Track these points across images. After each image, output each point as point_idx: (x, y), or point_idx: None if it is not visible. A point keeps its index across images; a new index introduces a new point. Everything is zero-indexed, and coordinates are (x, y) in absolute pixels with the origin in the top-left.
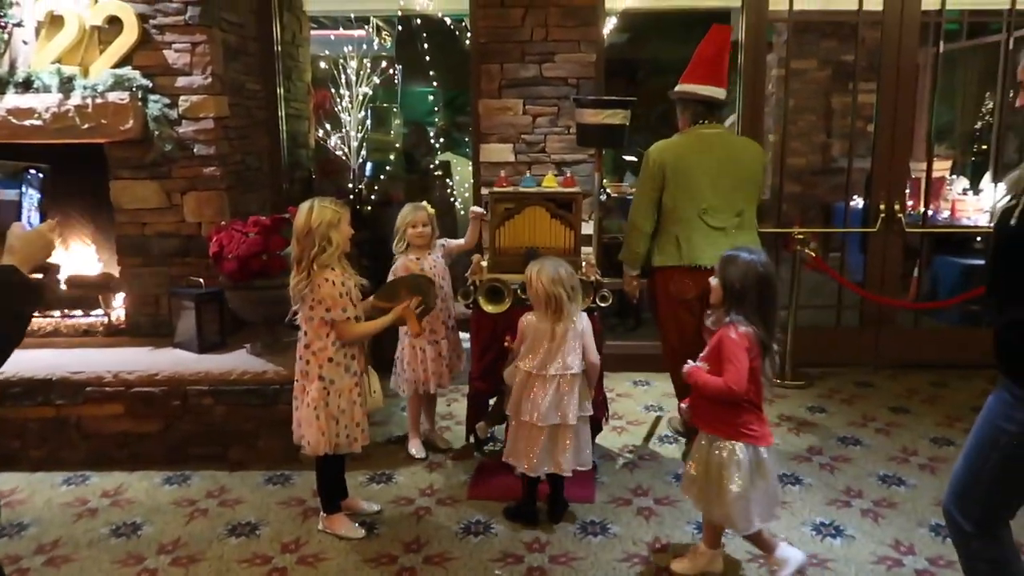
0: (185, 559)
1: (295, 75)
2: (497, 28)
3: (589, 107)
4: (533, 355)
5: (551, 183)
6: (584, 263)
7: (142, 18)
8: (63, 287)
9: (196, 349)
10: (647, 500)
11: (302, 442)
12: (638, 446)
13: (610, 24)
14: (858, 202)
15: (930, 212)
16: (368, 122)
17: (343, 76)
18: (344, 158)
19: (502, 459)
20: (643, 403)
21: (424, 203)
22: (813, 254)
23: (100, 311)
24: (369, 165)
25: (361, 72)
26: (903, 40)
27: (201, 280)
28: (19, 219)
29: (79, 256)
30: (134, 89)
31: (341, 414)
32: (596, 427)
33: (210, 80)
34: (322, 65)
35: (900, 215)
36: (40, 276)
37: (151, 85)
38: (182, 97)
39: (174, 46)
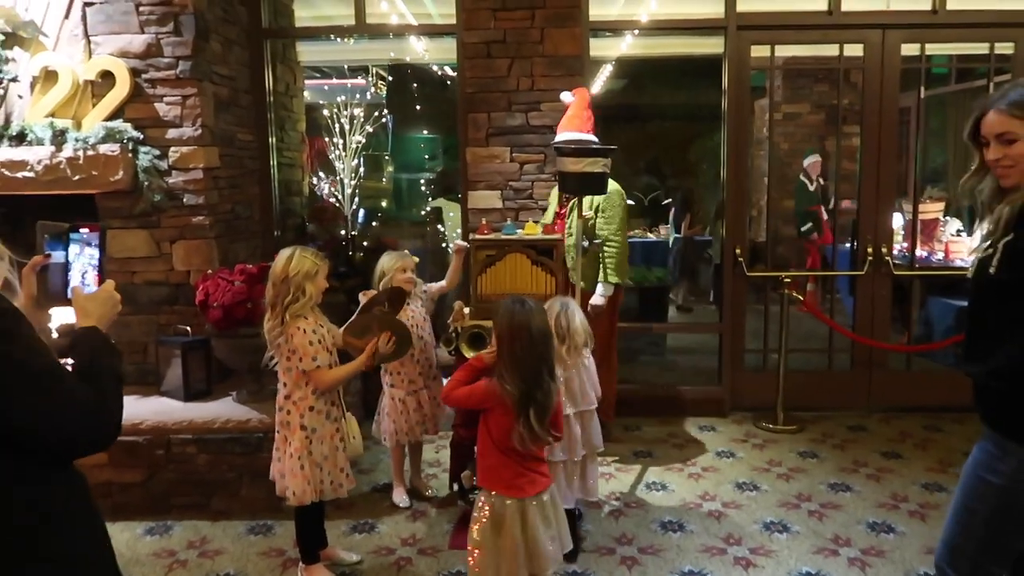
0: None
1: (288, 125)
2: (483, 78)
3: (570, 156)
4: None
5: (532, 230)
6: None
7: (134, 72)
8: (55, 335)
9: (182, 397)
10: (631, 549)
11: (286, 493)
12: (625, 493)
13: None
14: (849, 245)
15: (924, 254)
16: (361, 169)
17: (336, 124)
18: (338, 205)
19: None
20: (632, 448)
21: (406, 251)
22: (801, 297)
23: None
24: (362, 212)
25: (355, 120)
26: (884, 85)
27: (188, 328)
28: (68, 280)
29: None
30: (125, 141)
31: (324, 460)
32: None
33: (200, 132)
34: (324, 112)
35: (888, 257)
36: None
37: (142, 137)
38: (172, 148)
39: (165, 99)
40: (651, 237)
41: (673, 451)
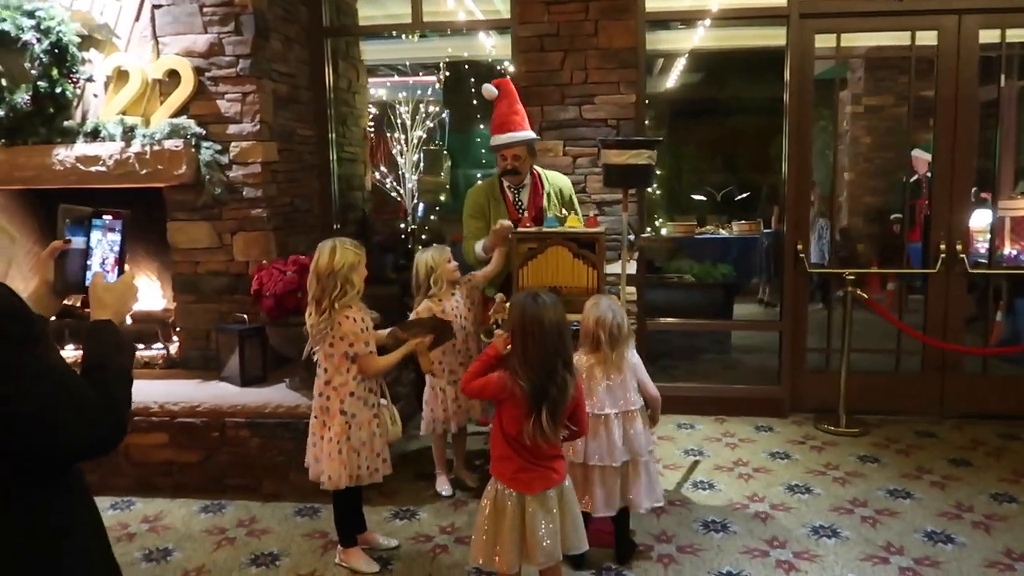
0: None
1: (350, 121)
2: (537, 72)
3: (613, 147)
4: (590, 398)
5: (574, 223)
6: None
7: (198, 71)
8: (128, 321)
9: (239, 383)
10: (669, 547)
11: (321, 478)
12: (669, 491)
13: (679, 65)
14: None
15: (1014, 252)
16: (421, 164)
17: (399, 120)
18: (399, 199)
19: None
20: (683, 447)
21: (444, 245)
22: (865, 295)
23: (160, 345)
24: (421, 206)
25: (417, 116)
26: (961, 75)
27: (245, 316)
28: (87, 267)
29: (145, 292)
30: (188, 137)
31: (362, 446)
32: None
33: (259, 127)
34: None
35: (962, 255)
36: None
37: (204, 132)
38: (233, 143)
39: (227, 96)
40: (723, 233)
41: (725, 451)
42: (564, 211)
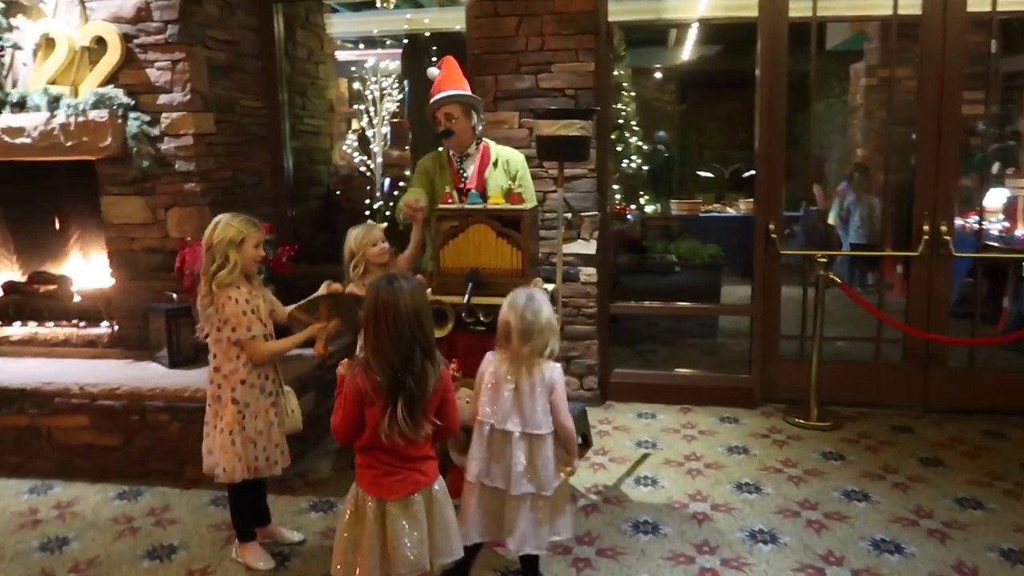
0: None
1: (312, 92)
2: (491, 38)
3: (544, 118)
4: (494, 405)
5: (498, 200)
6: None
7: (126, 38)
8: (77, 298)
9: (167, 363)
10: (589, 550)
11: (216, 471)
12: (608, 487)
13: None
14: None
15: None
16: (387, 138)
17: (368, 93)
18: (369, 174)
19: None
20: (638, 438)
21: (370, 221)
22: (838, 280)
23: (105, 323)
24: (387, 181)
25: (385, 91)
26: (948, 43)
27: (174, 295)
28: None
29: (93, 269)
30: (115, 107)
31: (259, 436)
32: None
33: (189, 97)
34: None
35: (947, 237)
36: None
37: (134, 103)
38: (163, 114)
39: (156, 64)
40: (730, 212)
41: (680, 443)
42: (509, 185)
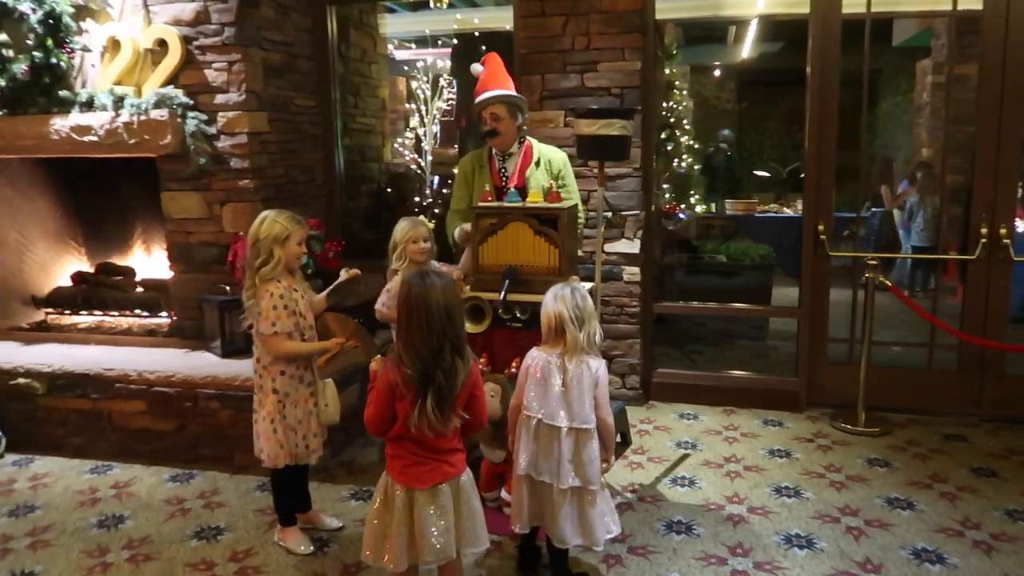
0: (142, 556)
1: (364, 91)
2: (537, 38)
3: (584, 117)
4: (542, 400)
5: (536, 198)
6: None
7: (185, 40)
8: (139, 289)
9: (220, 353)
10: (621, 547)
11: (261, 455)
12: (645, 486)
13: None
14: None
15: None
16: (437, 136)
17: (419, 92)
18: (420, 172)
19: (511, 527)
20: (678, 439)
21: (422, 217)
22: (888, 283)
23: (165, 313)
24: (436, 179)
25: (439, 88)
26: (1010, 35)
27: (227, 287)
28: None
29: (155, 261)
30: (174, 107)
31: (299, 424)
32: None
33: (244, 97)
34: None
35: (1007, 240)
36: None
37: (192, 103)
38: (220, 113)
39: (214, 65)
40: (788, 212)
41: (721, 445)
42: (551, 184)
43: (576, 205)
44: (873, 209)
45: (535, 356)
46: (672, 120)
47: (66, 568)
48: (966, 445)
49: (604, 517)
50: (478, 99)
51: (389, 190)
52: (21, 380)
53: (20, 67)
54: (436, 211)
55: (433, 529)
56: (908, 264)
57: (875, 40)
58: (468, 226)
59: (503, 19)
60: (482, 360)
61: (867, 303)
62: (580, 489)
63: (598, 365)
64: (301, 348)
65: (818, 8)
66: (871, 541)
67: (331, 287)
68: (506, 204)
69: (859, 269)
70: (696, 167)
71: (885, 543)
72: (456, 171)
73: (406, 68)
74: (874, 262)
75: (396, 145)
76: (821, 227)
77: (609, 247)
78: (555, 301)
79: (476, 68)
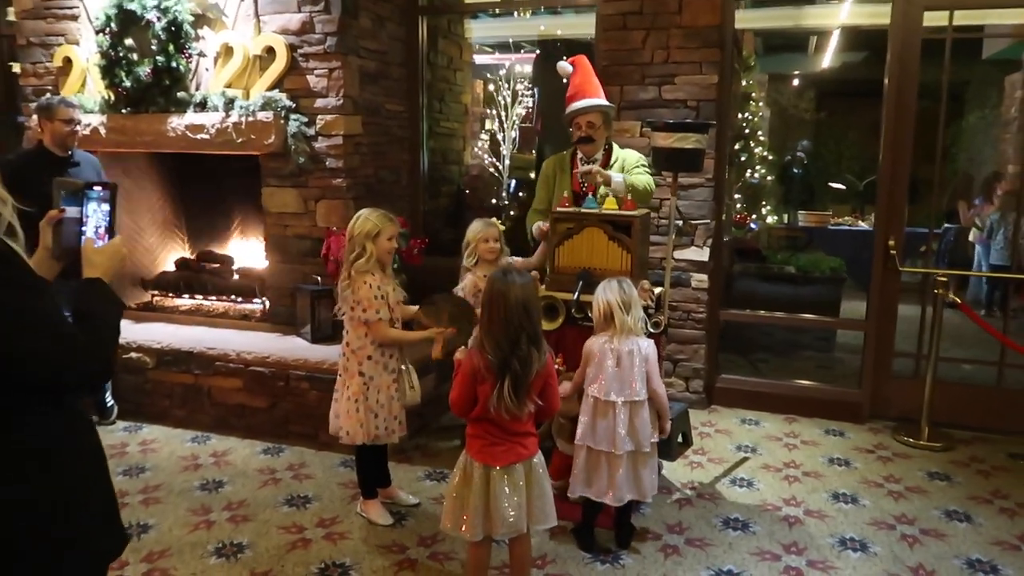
0: (240, 517)
1: (449, 97)
2: (618, 50)
3: (661, 130)
4: (598, 380)
5: (611, 206)
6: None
7: (291, 48)
8: (236, 277)
9: (310, 339)
10: (679, 538)
11: (340, 433)
12: (703, 484)
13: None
14: None
15: None
16: (516, 141)
17: (500, 98)
18: (497, 175)
19: (568, 493)
20: (738, 442)
21: (494, 219)
22: (958, 300)
23: (259, 300)
24: (512, 182)
25: (516, 94)
26: None
27: (319, 278)
28: (82, 233)
29: (251, 251)
30: (278, 109)
31: (380, 408)
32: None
33: (342, 101)
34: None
35: None
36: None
37: (294, 106)
38: (319, 116)
39: (315, 72)
40: (863, 226)
41: (781, 451)
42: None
43: (648, 213)
44: (947, 225)
45: (591, 341)
46: (747, 131)
47: (175, 523)
48: None
49: (652, 475)
50: (574, 106)
51: (467, 191)
52: (133, 354)
53: (144, 69)
54: (512, 213)
55: (506, 504)
56: (984, 282)
57: (964, 52)
58: (545, 224)
59: (584, 25)
60: (558, 360)
61: (935, 319)
62: (634, 452)
63: (646, 344)
64: (403, 335)
65: (898, 19)
66: (925, 549)
67: (427, 304)
68: (583, 210)
69: (930, 285)
70: (769, 178)
71: (939, 552)
72: (539, 173)
73: (487, 73)
74: (943, 279)
75: (476, 149)
76: (892, 242)
77: (679, 254)
78: (604, 292)
79: (564, 67)
